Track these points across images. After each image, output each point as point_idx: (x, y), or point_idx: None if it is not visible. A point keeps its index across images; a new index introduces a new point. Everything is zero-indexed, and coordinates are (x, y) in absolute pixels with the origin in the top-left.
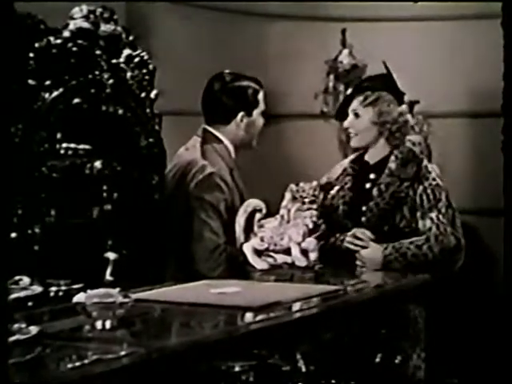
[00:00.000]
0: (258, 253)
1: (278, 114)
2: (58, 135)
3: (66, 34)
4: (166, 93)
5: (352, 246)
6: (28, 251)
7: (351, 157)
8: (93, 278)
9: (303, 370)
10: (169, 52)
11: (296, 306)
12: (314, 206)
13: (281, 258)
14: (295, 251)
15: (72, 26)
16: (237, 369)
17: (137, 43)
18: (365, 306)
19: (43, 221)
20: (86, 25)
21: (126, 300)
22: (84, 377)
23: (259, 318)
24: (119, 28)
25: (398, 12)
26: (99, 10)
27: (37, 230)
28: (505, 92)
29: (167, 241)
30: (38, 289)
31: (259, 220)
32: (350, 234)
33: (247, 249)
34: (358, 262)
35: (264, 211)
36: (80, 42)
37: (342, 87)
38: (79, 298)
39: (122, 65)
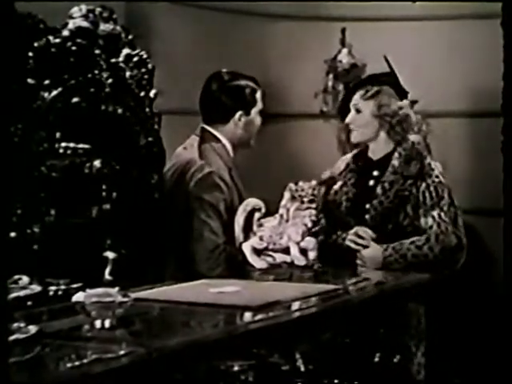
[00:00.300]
0: (257, 252)
1: (277, 114)
2: (58, 134)
3: (66, 33)
4: (165, 92)
5: (353, 245)
6: (27, 250)
7: (354, 152)
8: (92, 278)
9: (302, 369)
10: (168, 51)
11: (295, 306)
12: (313, 206)
13: (280, 258)
14: (294, 250)
15: (71, 25)
16: (236, 368)
17: (136, 43)
18: (364, 305)
19: (42, 220)
20: (85, 24)
21: (125, 299)
22: (83, 376)
23: (258, 317)
24: (118, 27)
25: (397, 12)
26: (98, 9)
27: (36, 230)
28: (504, 92)
29: (166, 240)
30: (37, 288)
31: (258, 219)
32: (351, 232)
33: (246, 248)
34: (358, 261)
35: (263, 210)
36: (79, 41)
37: (341, 86)
38: (78, 297)
39: (121, 64)
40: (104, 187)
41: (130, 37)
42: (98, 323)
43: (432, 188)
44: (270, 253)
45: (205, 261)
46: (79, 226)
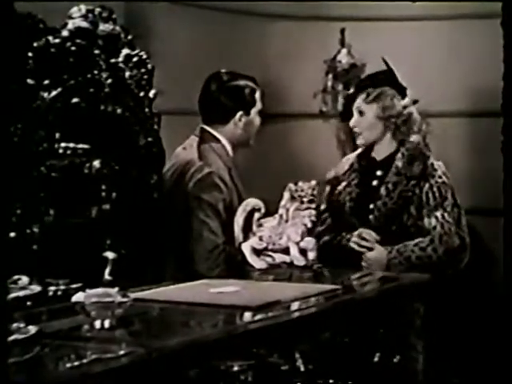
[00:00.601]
0: (257, 252)
1: (276, 114)
2: (57, 135)
3: (65, 33)
4: (165, 92)
5: (357, 247)
6: (27, 251)
7: (358, 151)
8: (91, 278)
9: (302, 369)
10: (168, 51)
11: (295, 306)
12: (313, 206)
13: (279, 258)
14: (294, 250)
15: (71, 25)
16: (236, 368)
17: (135, 43)
18: (363, 305)
19: (42, 220)
20: (84, 24)
21: (125, 299)
22: (83, 376)
23: (258, 317)
24: (118, 27)
25: (397, 11)
26: (98, 9)
27: (35, 230)
28: (504, 92)
29: (166, 240)
30: (36, 288)
31: (258, 219)
32: (355, 233)
33: (246, 248)
34: (363, 263)
35: (263, 211)
36: (79, 41)
37: (340, 86)
38: (78, 297)
39: (121, 64)
40: (103, 187)
41: (129, 37)
42: (97, 323)
43: (435, 188)
44: (270, 253)
45: (204, 261)
46: (79, 226)
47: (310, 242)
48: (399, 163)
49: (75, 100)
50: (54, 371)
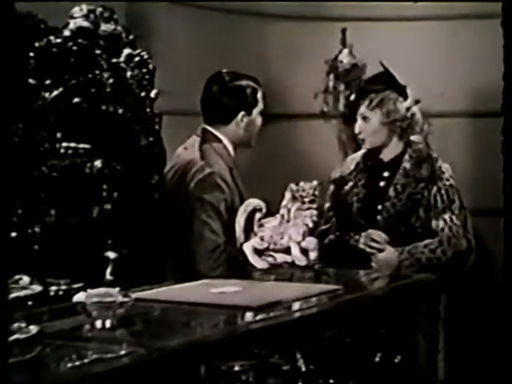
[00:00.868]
0: (258, 252)
1: (277, 114)
2: (58, 134)
3: (66, 33)
4: (166, 92)
5: (368, 249)
6: (28, 250)
7: (363, 151)
8: (93, 278)
9: (303, 369)
10: (169, 51)
11: (296, 306)
12: (314, 206)
13: (281, 258)
14: (295, 250)
15: (72, 25)
16: (237, 368)
17: (137, 43)
18: (365, 305)
19: (43, 220)
20: (86, 24)
21: (126, 299)
22: (84, 376)
23: (259, 317)
24: (119, 27)
25: (398, 12)
26: (99, 9)
27: (37, 230)
28: (505, 92)
29: (167, 240)
30: (37, 288)
31: (259, 219)
32: (364, 234)
33: (247, 248)
34: (373, 264)
35: (264, 211)
36: (80, 41)
37: (342, 87)
38: (79, 297)
39: (122, 64)
40: (105, 187)
41: (130, 37)
42: (98, 323)
43: (443, 191)
44: (271, 253)
45: (205, 261)
46: (80, 226)
47: (311, 242)
48: (407, 165)
49: (76, 100)
50: (54, 371)
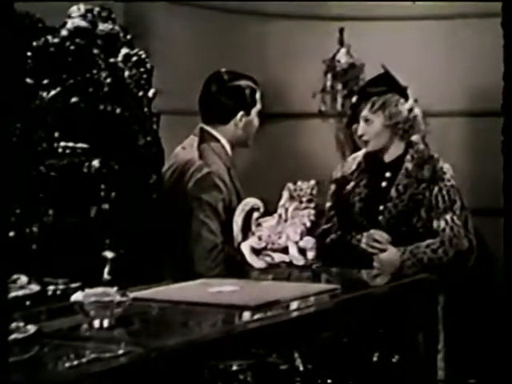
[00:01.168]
0: (256, 252)
1: (275, 113)
2: (56, 134)
3: (64, 32)
4: (164, 92)
5: (370, 249)
6: (26, 250)
7: (364, 151)
8: (90, 277)
9: (301, 368)
10: (167, 51)
11: (294, 305)
12: (312, 205)
13: (279, 257)
14: (293, 250)
15: (70, 24)
16: (234, 368)
17: (135, 42)
18: (363, 305)
19: (41, 220)
20: (83, 24)
21: (124, 299)
22: (82, 376)
23: (257, 316)
24: (117, 27)
25: (397, 11)
26: (97, 8)
27: (35, 229)
28: (505, 92)
29: (165, 240)
30: (35, 288)
31: (257, 219)
32: (366, 234)
33: (245, 248)
34: (375, 264)
35: (262, 210)
36: (78, 40)
37: (339, 86)
38: (77, 296)
39: (120, 64)
40: (103, 187)
41: (128, 36)
42: (96, 323)
43: (444, 192)
44: (269, 252)
45: (203, 260)
46: (78, 226)
47: (309, 242)
48: (409, 165)
49: (74, 99)
50: (53, 370)
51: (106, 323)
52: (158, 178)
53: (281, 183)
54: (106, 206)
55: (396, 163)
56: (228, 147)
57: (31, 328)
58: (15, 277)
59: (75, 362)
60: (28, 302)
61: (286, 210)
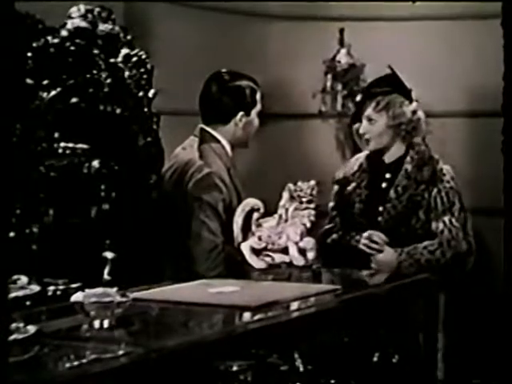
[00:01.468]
0: (256, 252)
1: (275, 114)
2: (56, 134)
3: (64, 33)
4: (164, 92)
5: (368, 250)
6: (26, 250)
7: (366, 152)
8: (91, 278)
9: (301, 369)
10: (167, 51)
11: (294, 306)
12: (312, 206)
13: (279, 258)
14: (293, 250)
15: (70, 25)
16: (235, 368)
17: (135, 43)
18: (363, 305)
19: (41, 220)
20: (83, 24)
21: (124, 299)
22: (82, 376)
23: (257, 317)
24: (117, 27)
25: (397, 12)
26: (97, 9)
27: (35, 230)
28: (505, 92)
29: (165, 240)
30: (35, 288)
31: (257, 219)
32: (365, 235)
33: (245, 248)
34: (373, 265)
35: (262, 210)
36: (78, 41)
37: (339, 87)
38: (77, 297)
39: (120, 64)
40: (102, 187)
41: (128, 37)
42: (96, 323)
43: (443, 193)
44: (269, 253)
45: (203, 261)
46: (78, 226)
47: (309, 242)
48: (409, 167)
49: (74, 100)
50: (53, 371)
51: (106, 324)
52: (158, 178)
53: (281, 184)
54: (106, 207)
55: (396, 164)
56: (228, 148)
57: (31, 328)
58: (15, 277)
59: (75, 363)
60: (28, 303)
61: (286, 210)
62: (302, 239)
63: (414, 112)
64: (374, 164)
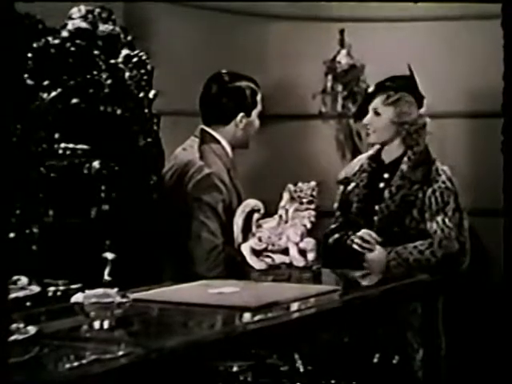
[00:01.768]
0: (256, 253)
1: (276, 115)
2: (57, 135)
3: (65, 33)
4: (165, 93)
5: (360, 248)
6: (26, 251)
7: (370, 152)
8: (91, 278)
9: (301, 370)
10: (167, 52)
11: (294, 306)
12: (312, 206)
13: (279, 258)
14: (293, 251)
15: (70, 26)
16: (235, 369)
17: (135, 43)
18: (362, 306)
19: (41, 221)
20: (84, 25)
21: (124, 300)
22: (82, 377)
23: (257, 317)
24: (117, 28)
25: (397, 12)
26: (97, 10)
27: (35, 230)
28: (505, 92)
29: (165, 241)
30: (36, 289)
31: (257, 220)
32: (358, 234)
33: (245, 249)
34: (364, 264)
35: (262, 211)
36: (78, 42)
37: (340, 87)
38: (77, 297)
39: (121, 65)
40: (103, 188)
41: (129, 38)
42: (96, 324)
43: (438, 193)
44: (269, 254)
45: (203, 262)
46: (78, 227)
47: (309, 243)
48: (404, 167)
49: (75, 101)
50: (53, 372)
51: (106, 324)
52: (158, 179)
53: (281, 184)
54: (107, 207)
55: (395, 164)
56: (228, 148)
57: (31, 329)
58: (15, 278)
59: (75, 363)
60: (28, 303)
61: (287, 211)
62: (302, 240)
63: (421, 116)
64: (374, 165)
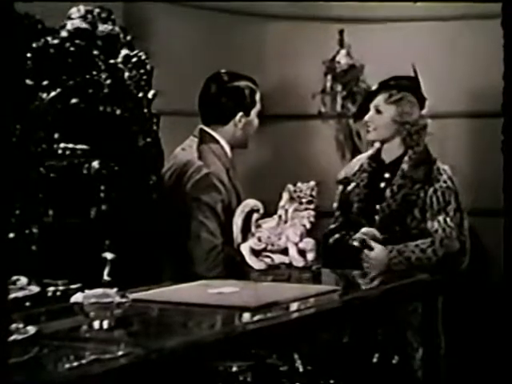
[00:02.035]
0: (256, 253)
1: (275, 115)
2: (56, 135)
3: (64, 34)
4: (164, 93)
5: (361, 246)
6: (26, 251)
7: (369, 152)
8: (90, 278)
9: (301, 370)
10: (167, 52)
11: (293, 306)
12: (312, 206)
13: (278, 258)
14: (293, 251)
15: (69, 26)
16: (234, 369)
17: (134, 43)
18: (362, 306)
19: (41, 221)
20: (83, 25)
21: (124, 300)
22: (81, 377)
23: (257, 318)
24: (117, 28)
25: (397, 12)
26: (97, 10)
27: (34, 230)
28: (505, 92)
29: (164, 241)
30: (35, 289)
31: (257, 220)
32: (359, 233)
33: (245, 249)
34: (364, 263)
35: (261, 211)
36: (78, 42)
37: (339, 87)
38: (77, 298)
39: (120, 65)
40: (102, 188)
41: (128, 37)
42: (96, 324)
43: (439, 193)
44: (269, 254)
45: (202, 262)
46: (77, 227)
47: (308, 243)
48: (405, 166)
49: (74, 101)
50: (52, 372)
51: (105, 324)
52: (157, 178)
53: (281, 184)
54: (106, 207)
55: (395, 164)
56: (227, 148)
57: (31, 329)
58: (15, 278)
59: (75, 364)
60: (28, 303)
61: (286, 211)
62: (301, 240)
63: (422, 117)
64: (374, 164)
